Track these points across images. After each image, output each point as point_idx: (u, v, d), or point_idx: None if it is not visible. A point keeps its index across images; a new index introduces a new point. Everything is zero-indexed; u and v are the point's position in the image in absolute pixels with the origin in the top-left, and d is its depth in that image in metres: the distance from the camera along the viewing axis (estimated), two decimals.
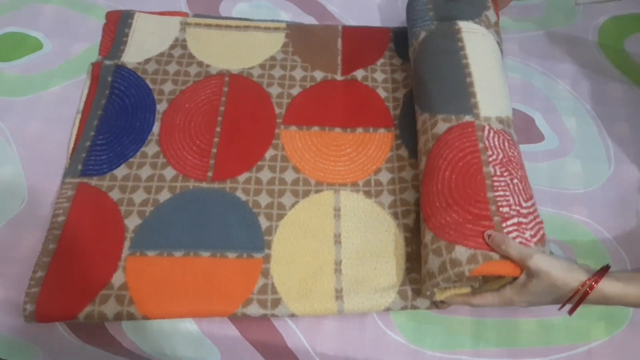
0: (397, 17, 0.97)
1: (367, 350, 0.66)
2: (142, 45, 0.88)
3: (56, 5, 0.93)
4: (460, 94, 0.72)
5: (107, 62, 0.85)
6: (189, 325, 0.66)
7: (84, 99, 0.82)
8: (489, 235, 0.60)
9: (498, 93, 0.73)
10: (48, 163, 0.77)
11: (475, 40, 0.76)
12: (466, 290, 0.64)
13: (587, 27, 0.97)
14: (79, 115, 0.80)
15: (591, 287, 0.55)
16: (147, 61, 0.86)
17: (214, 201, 0.73)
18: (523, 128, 0.83)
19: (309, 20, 0.96)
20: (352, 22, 0.96)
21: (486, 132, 0.68)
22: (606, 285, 0.55)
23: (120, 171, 0.75)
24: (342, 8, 0.98)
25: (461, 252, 0.60)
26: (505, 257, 0.59)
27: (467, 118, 0.69)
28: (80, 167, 0.75)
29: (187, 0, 0.96)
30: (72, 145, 0.77)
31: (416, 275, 0.68)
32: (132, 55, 0.86)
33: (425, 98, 0.75)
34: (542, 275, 0.56)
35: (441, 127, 0.70)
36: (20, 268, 0.68)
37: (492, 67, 0.75)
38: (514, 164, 0.67)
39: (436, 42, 0.78)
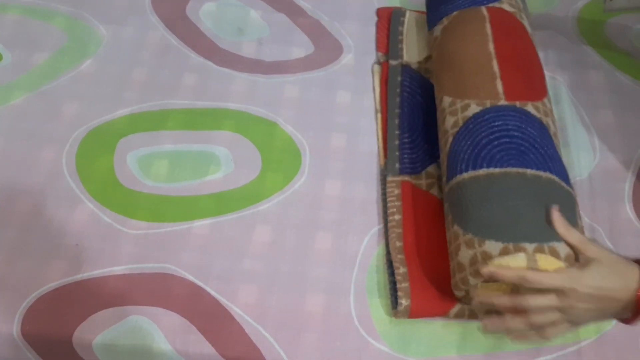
0: (371, 13, 0.94)
1: None
2: (416, 45, 0.90)
3: (16, 14, 0.89)
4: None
5: (393, 62, 0.87)
6: (162, 344, 0.63)
7: (377, 97, 0.84)
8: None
9: None
10: (8, 180, 0.73)
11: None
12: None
13: (566, 10, 0.94)
14: (379, 115, 0.82)
15: None
16: (426, 60, 0.88)
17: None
18: None
19: (279, 18, 0.92)
20: (325, 18, 0.93)
21: None
22: None
23: (434, 170, 0.76)
24: (313, 4, 0.95)
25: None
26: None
27: None
28: (397, 165, 0.76)
29: (151, 0, 0.93)
30: (381, 144, 0.79)
31: None
32: (411, 55, 0.88)
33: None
34: (603, 257, 0.55)
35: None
36: None
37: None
38: None
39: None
